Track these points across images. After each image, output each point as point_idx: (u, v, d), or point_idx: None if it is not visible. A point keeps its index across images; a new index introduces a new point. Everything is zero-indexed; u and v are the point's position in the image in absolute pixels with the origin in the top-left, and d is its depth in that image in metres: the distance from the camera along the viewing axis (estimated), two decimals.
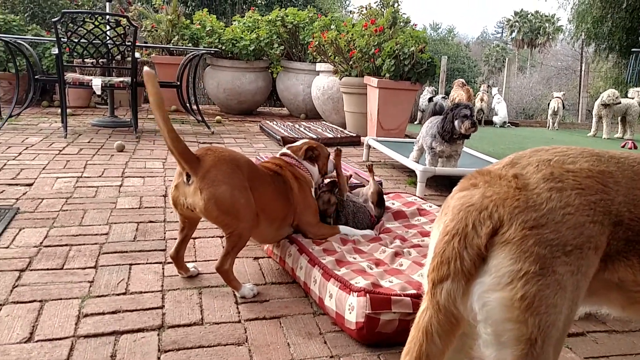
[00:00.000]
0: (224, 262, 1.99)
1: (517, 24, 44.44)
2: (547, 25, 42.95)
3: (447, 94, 10.48)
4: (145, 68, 1.97)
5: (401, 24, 6.28)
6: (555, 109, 10.19)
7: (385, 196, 2.91)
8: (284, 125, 6.27)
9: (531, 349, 0.98)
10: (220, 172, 1.95)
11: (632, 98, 8.89)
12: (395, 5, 6.37)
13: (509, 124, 10.42)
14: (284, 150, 2.52)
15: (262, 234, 2.24)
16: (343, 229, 2.47)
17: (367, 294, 1.71)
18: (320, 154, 2.53)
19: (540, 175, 1.06)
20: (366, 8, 6.86)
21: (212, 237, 2.63)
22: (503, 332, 0.99)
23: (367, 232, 2.52)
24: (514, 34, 45.12)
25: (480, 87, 11.24)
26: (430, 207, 2.88)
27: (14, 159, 3.97)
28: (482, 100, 10.45)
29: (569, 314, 1.01)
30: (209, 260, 2.33)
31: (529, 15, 44.01)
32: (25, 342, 1.63)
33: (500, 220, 1.01)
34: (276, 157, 2.49)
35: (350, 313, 1.73)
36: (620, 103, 8.57)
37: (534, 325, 0.97)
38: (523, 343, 0.98)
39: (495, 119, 10.41)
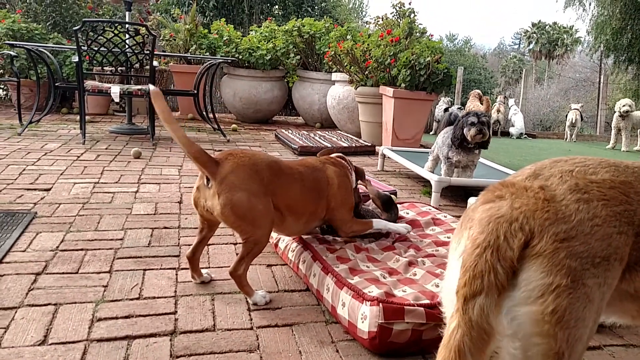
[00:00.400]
0: (238, 267, 1.99)
1: (534, 35, 44.20)
2: (565, 36, 42.65)
3: (463, 104, 10.45)
4: (151, 86, 1.99)
5: (417, 34, 6.29)
6: (573, 121, 10.09)
7: (399, 205, 2.89)
8: (299, 134, 6.29)
9: None
10: (238, 178, 1.95)
11: None
12: (412, 15, 6.39)
13: (525, 136, 10.35)
14: (340, 154, 2.57)
15: (289, 229, 2.25)
16: (377, 223, 2.45)
17: (380, 304, 1.70)
18: (360, 174, 2.59)
19: (566, 187, 1.04)
20: (382, 18, 6.88)
21: (226, 244, 2.63)
22: (531, 346, 0.97)
23: (401, 227, 2.50)
24: (531, 45, 44.85)
25: (497, 98, 11.18)
26: (445, 217, 2.86)
27: (33, 164, 4.03)
28: (498, 111, 10.39)
29: (593, 326, 1.00)
30: (222, 267, 2.34)
31: (546, 27, 43.76)
32: (39, 345, 1.64)
33: (531, 232, 0.99)
34: (332, 156, 2.53)
35: (362, 322, 1.72)
36: (632, 110, 8.63)
37: (562, 339, 0.95)
38: (551, 358, 0.96)
39: (511, 130, 10.35)
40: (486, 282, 0.98)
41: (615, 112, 8.85)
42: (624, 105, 8.64)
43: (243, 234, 1.99)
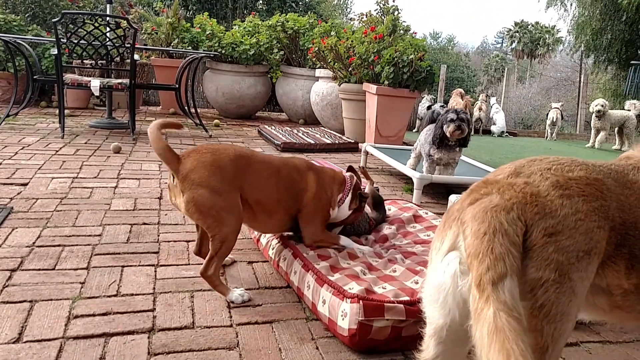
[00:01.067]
0: (208, 267, 1.97)
1: (517, 34, 44.66)
2: (547, 36, 43.17)
3: (446, 102, 10.51)
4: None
5: (401, 31, 6.30)
6: (554, 120, 10.21)
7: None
8: (282, 131, 6.26)
9: (541, 358, 0.97)
10: (198, 175, 1.95)
11: (629, 110, 8.92)
12: (396, 13, 6.39)
13: (507, 134, 10.45)
14: (351, 174, 2.50)
15: (262, 225, 2.25)
16: (344, 240, 2.39)
17: (361, 301, 1.70)
18: (363, 205, 2.49)
19: (548, 183, 1.06)
20: (366, 15, 6.88)
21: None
22: None
23: (366, 249, 2.40)
24: (514, 45, 45.33)
25: (479, 96, 11.27)
26: (427, 214, 2.87)
27: (9, 159, 3.95)
28: (480, 109, 10.48)
29: (574, 320, 1.01)
30: (202, 264, 2.31)
31: (529, 26, 44.24)
32: (13, 343, 1.61)
33: (526, 224, 1.00)
34: (338, 170, 2.51)
35: (343, 319, 1.72)
36: (605, 109, 8.68)
37: (548, 333, 0.96)
38: (536, 352, 0.96)
39: (493, 128, 10.44)
40: (509, 264, 0.94)
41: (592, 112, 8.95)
42: (596, 105, 8.75)
43: (209, 230, 1.99)
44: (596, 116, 8.74)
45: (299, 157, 2.43)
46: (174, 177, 1.98)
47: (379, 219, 2.74)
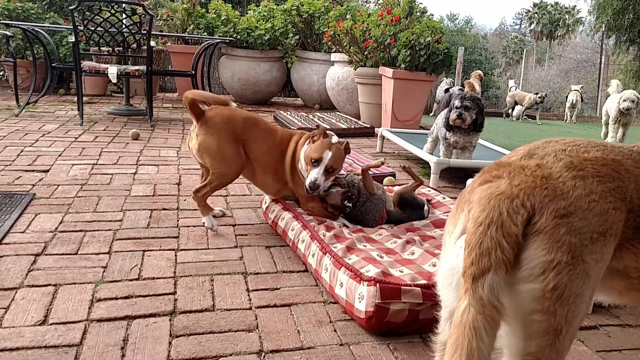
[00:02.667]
0: (202, 189, 2.47)
1: (536, 15, 43.76)
2: (566, 17, 42.22)
3: (464, 85, 10.38)
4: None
5: (417, 14, 6.22)
6: (574, 102, 10.05)
7: (398, 187, 2.87)
8: (298, 116, 6.26)
9: (555, 340, 0.97)
10: (212, 124, 2.44)
11: None
12: None
13: (525, 117, 10.31)
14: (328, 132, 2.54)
15: (261, 182, 2.63)
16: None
17: (377, 284, 1.71)
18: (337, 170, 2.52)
19: (562, 164, 1.05)
20: None
21: (224, 225, 2.64)
22: (532, 323, 0.98)
23: (346, 223, 2.49)
24: (532, 26, 44.44)
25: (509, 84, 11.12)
26: (444, 198, 2.86)
27: (30, 146, 4.02)
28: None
29: (589, 302, 1.01)
30: (221, 248, 2.35)
31: (548, 7, 43.30)
32: (39, 325, 1.65)
33: (533, 209, 0.99)
34: (312, 133, 2.54)
35: (360, 302, 1.73)
36: (636, 106, 6.62)
37: (561, 316, 0.96)
38: (550, 334, 0.97)
39: (512, 111, 10.31)
40: (494, 259, 0.97)
41: (617, 103, 6.70)
42: (624, 101, 6.54)
43: (212, 168, 2.45)
44: (621, 113, 6.68)
45: (292, 130, 2.74)
46: (196, 126, 2.46)
47: (398, 217, 2.59)
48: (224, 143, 2.42)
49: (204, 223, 2.51)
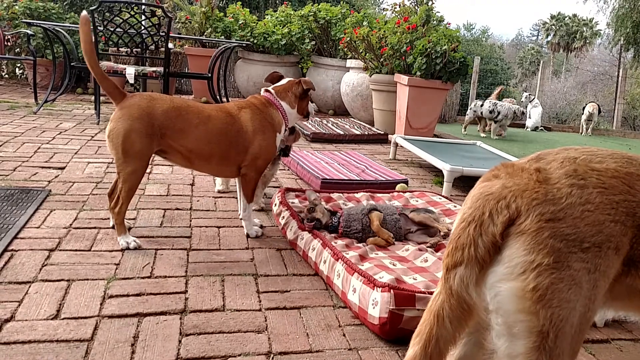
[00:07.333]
0: (116, 204, 2.27)
1: (553, 27, 43.47)
2: (584, 29, 41.88)
3: (479, 95, 10.35)
4: (84, 12, 2.21)
5: (434, 22, 6.22)
6: (590, 113, 9.96)
7: (409, 194, 2.85)
8: (311, 121, 6.27)
9: (543, 342, 0.98)
10: (127, 113, 2.19)
11: None
12: (429, 3, 6.31)
13: (541, 128, 10.24)
14: (268, 88, 2.57)
15: (202, 169, 2.48)
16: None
17: (392, 290, 1.70)
18: (302, 91, 2.56)
19: (563, 171, 1.05)
20: (400, 5, 6.80)
21: (236, 227, 2.65)
22: (514, 323, 0.99)
23: (254, 231, 2.53)
24: (549, 37, 44.16)
25: (522, 96, 11.02)
26: (455, 207, 2.85)
27: (47, 143, 4.07)
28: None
29: (586, 312, 1.00)
30: (232, 249, 2.35)
31: (566, 19, 43.01)
32: (52, 319, 1.67)
33: (518, 210, 1.02)
34: (255, 95, 2.55)
35: (373, 308, 1.73)
36: None
37: (545, 317, 0.97)
38: (535, 335, 0.98)
39: (527, 122, 10.24)
40: (466, 255, 1.03)
41: None
42: None
43: (118, 166, 2.23)
44: None
45: (233, 102, 2.53)
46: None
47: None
48: (133, 135, 2.18)
49: (119, 243, 2.27)
